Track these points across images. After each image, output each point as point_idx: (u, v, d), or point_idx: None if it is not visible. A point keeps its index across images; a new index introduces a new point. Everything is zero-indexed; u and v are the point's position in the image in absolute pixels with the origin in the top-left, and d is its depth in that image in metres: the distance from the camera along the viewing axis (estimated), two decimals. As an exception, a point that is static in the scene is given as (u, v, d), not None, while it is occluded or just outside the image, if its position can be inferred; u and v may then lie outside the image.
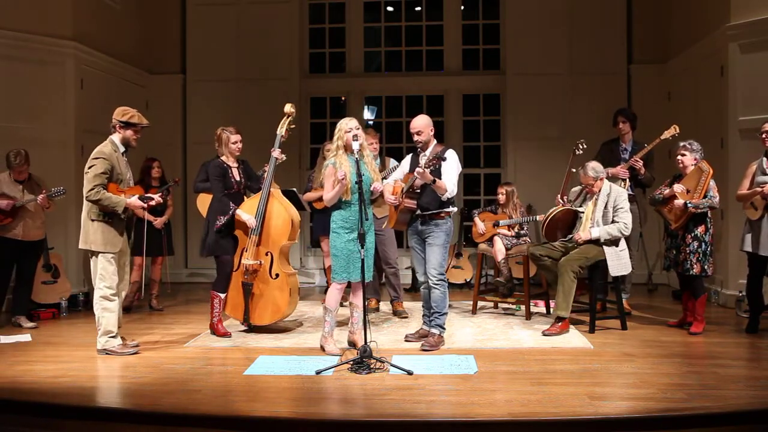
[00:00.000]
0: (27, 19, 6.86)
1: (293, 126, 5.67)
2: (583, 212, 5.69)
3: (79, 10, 7.32)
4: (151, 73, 8.91)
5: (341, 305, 4.94)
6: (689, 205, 5.22)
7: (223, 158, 5.53)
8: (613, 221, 5.48)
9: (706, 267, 5.32)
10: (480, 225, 6.54)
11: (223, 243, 5.42)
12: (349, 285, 4.94)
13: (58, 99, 7.10)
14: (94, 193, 4.66)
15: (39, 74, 6.95)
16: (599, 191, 5.59)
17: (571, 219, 5.83)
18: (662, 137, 6.07)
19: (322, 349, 4.86)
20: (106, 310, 4.75)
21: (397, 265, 6.29)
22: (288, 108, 5.58)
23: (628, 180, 6.12)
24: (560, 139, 8.45)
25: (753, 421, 3.49)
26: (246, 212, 5.43)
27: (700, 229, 5.32)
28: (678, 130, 6.04)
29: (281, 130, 5.58)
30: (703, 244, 5.31)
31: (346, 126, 4.79)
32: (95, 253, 4.76)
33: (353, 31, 9.41)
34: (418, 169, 4.72)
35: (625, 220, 5.46)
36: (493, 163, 9.28)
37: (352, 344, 4.94)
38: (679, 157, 5.46)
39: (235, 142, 5.54)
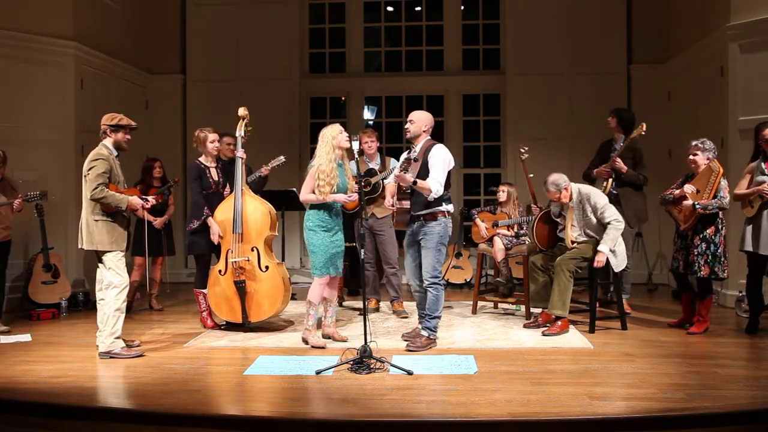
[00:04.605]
0: (27, 19, 6.86)
1: (250, 128, 5.70)
2: (563, 216, 5.71)
3: (79, 10, 7.32)
4: (151, 73, 8.91)
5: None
6: (697, 206, 5.15)
7: (202, 158, 5.73)
8: (604, 225, 5.40)
9: (716, 269, 5.19)
10: (482, 226, 6.52)
11: (198, 242, 5.64)
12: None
13: (58, 99, 7.10)
14: (99, 191, 4.65)
15: (39, 74, 6.95)
16: (570, 200, 5.58)
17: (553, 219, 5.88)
18: (632, 136, 6.06)
19: (305, 342, 4.99)
20: (119, 311, 4.75)
21: (397, 266, 6.30)
22: (241, 111, 5.64)
23: (611, 180, 6.11)
24: (560, 139, 8.47)
25: (753, 421, 3.49)
26: (221, 215, 5.52)
27: (709, 231, 5.22)
28: (644, 128, 5.96)
29: (240, 132, 5.64)
30: (711, 245, 5.21)
31: (339, 130, 4.93)
32: (103, 254, 4.75)
33: (353, 31, 9.41)
34: (395, 172, 4.69)
35: (614, 216, 5.39)
36: (493, 163, 9.29)
37: (327, 337, 5.12)
38: (691, 156, 5.38)
39: (213, 141, 5.68)
